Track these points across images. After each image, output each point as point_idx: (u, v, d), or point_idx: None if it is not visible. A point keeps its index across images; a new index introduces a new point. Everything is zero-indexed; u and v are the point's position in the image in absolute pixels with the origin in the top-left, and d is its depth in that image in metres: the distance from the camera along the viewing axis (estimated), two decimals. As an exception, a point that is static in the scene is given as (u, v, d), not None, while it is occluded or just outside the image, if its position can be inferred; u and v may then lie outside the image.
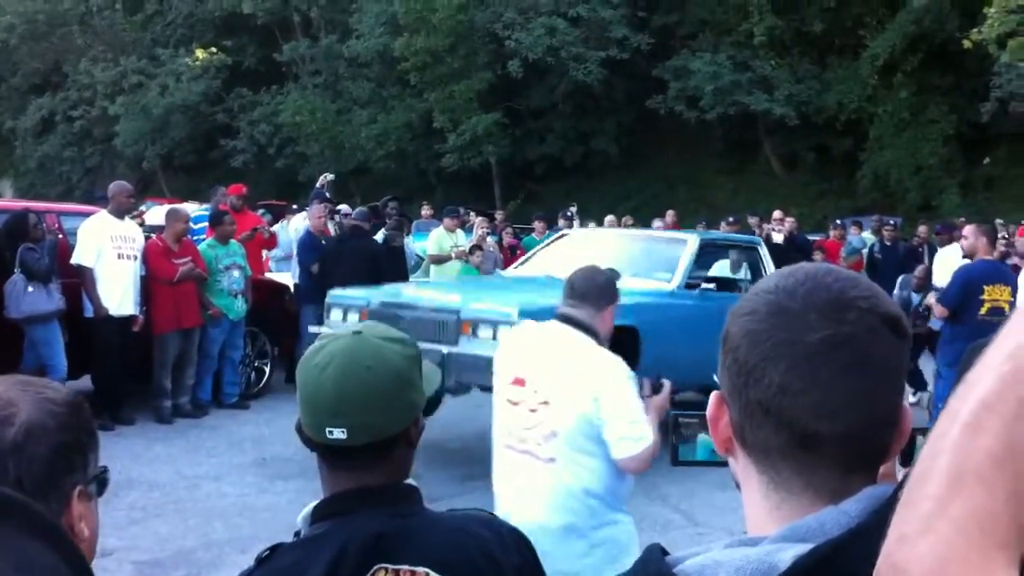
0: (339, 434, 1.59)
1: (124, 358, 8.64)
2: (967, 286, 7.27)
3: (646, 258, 9.11)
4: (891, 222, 14.70)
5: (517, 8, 25.60)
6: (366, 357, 1.61)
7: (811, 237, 15.06)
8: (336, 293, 8.47)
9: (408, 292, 8.16)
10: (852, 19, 24.48)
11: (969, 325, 7.05)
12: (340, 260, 10.30)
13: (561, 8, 25.17)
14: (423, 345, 7.22)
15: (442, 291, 8.33)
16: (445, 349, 7.18)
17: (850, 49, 24.76)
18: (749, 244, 10.00)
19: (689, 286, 8.51)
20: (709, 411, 1.08)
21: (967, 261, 7.59)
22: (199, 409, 9.37)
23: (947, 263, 9.22)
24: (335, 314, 8.22)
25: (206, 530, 6.32)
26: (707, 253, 9.36)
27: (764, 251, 9.59)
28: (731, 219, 14.83)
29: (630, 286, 8.09)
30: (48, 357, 8.15)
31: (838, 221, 16.19)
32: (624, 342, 7.71)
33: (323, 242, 10.38)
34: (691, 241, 8.92)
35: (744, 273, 9.53)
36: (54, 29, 34.69)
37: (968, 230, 7.71)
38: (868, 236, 14.96)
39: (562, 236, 10.08)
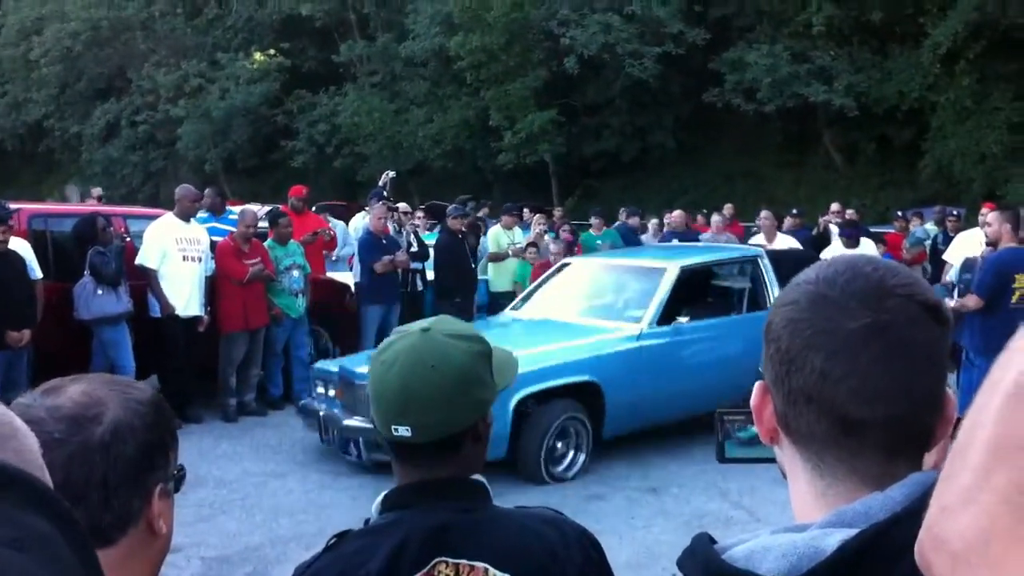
0: (404, 432, 1.63)
1: (190, 357, 8.81)
2: (1000, 274, 7.10)
3: (622, 293, 9.01)
4: (954, 212, 14.42)
5: (572, 5, 25.51)
6: (431, 356, 1.64)
7: (875, 230, 14.84)
8: (317, 365, 8.53)
9: (359, 368, 7.71)
10: (912, 7, 24.01)
11: (1001, 314, 6.90)
12: (443, 257, 10.68)
13: (616, 4, 25.04)
14: (368, 423, 7.22)
15: None
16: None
17: (911, 37, 24.30)
18: (745, 259, 9.58)
19: (668, 319, 8.36)
20: (753, 401, 1.10)
21: (990, 249, 7.42)
22: (268, 406, 9.54)
23: (965, 246, 9.00)
24: (319, 387, 8.23)
25: (272, 526, 6.44)
26: (697, 276, 9.15)
27: (766, 263, 9.22)
28: (795, 211, 14.67)
29: (594, 337, 8.15)
30: (117, 358, 8.34)
31: (900, 213, 15.95)
32: (588, 397, 7.77)
33: (383, 241, 10.48)
34: (669, 271, 8.65)
35: (745, 289, 9.26)
36: (118, 35, 35.28)
37: (992, 217, 7.50)
38: (931, 227, 14.71)
39: (563, 266, 9.96)
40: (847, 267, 1.03)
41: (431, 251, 11.17)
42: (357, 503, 6.85)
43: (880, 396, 0.98)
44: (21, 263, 7.97)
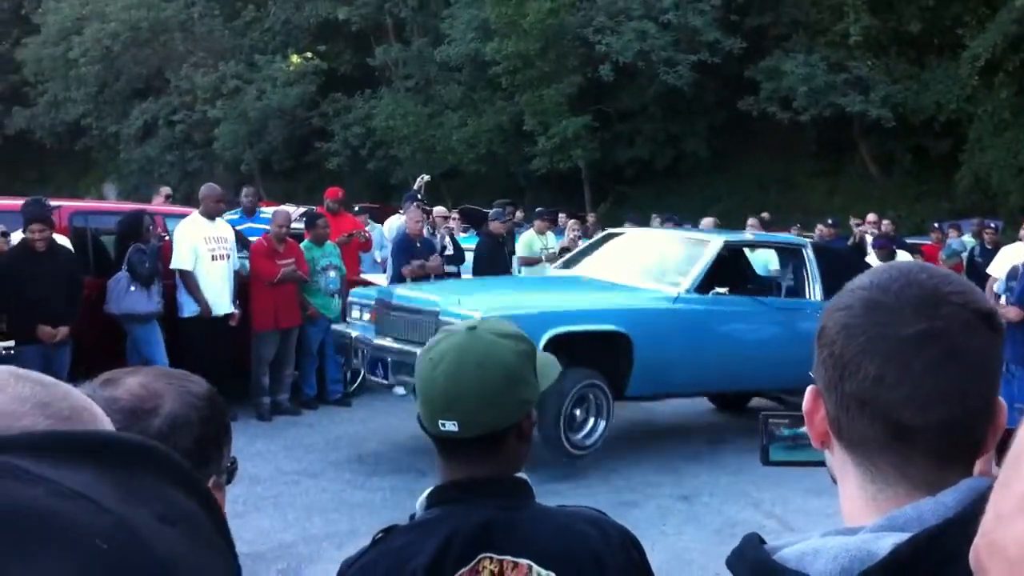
0: (451, 427, 1.66)
1: (220, 356, 8.87)
2: None
3: (666, 260, 9.10)
4: (992, 224, 14.30)
5: (607, 13, 25.49)
6: (477, 355, 1.68)
7: (911, 241, 14.74)
8: (355, 291, 8.91)
9: (399, 291, 8.33)
10: (951, 18, 23.85)
11: None
12: (483, 261, 10.80)
13: (652, 13, 25.00)
14: (405, 346, 7.52)
15: (428, 290, 8.37)
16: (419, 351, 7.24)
17: (949, 49, 24.12)
18: (791, 246, 9.69)
19: (705, 289, 8.42)
20: (805, 405, 1.11)
21: None
22: (302, 405, 9.60)
23: (1008, 260, 8.99)
24: (355, 312, 8.68)
25: (305, 525, 6.49)
26: (739, 254, 9.36)
27: (810, 253, 9.28)
28: (830, 221, 14.60)
29: (630, 294, 8.22)
30: (150, 355, 8.40)
31: (936, 224, 15.83)
32: (616, 347, 7.79)
33: (417, 244, 10.53)
34: (713, 243, 8.80)
35: (787, 276, 9.33)
36: (156, 36, 35.54)
37: None
38: (968, 239, 14.59)
39: (608, 235, 10.14)
40: (901, 274, 1.05)
41: (466, 255, 11.25)
42: (388, 503, 6.89)
43: (933, 402, 0.99)
44: (69, 261, 8.05)
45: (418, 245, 10.54)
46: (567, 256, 10.18)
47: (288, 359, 9.54)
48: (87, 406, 0.65)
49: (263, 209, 12.02)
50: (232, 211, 11.58)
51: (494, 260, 11.21)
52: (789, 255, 9.48)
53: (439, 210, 11.97)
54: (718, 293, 8.40)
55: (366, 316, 8.30)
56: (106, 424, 0.67)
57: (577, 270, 9.29)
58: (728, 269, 8.94)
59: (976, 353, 1.01)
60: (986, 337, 1.01)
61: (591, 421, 7.82)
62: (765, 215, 15.60)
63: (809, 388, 1.10)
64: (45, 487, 0.50)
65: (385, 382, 7.95)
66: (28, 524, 0.48)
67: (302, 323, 9.52)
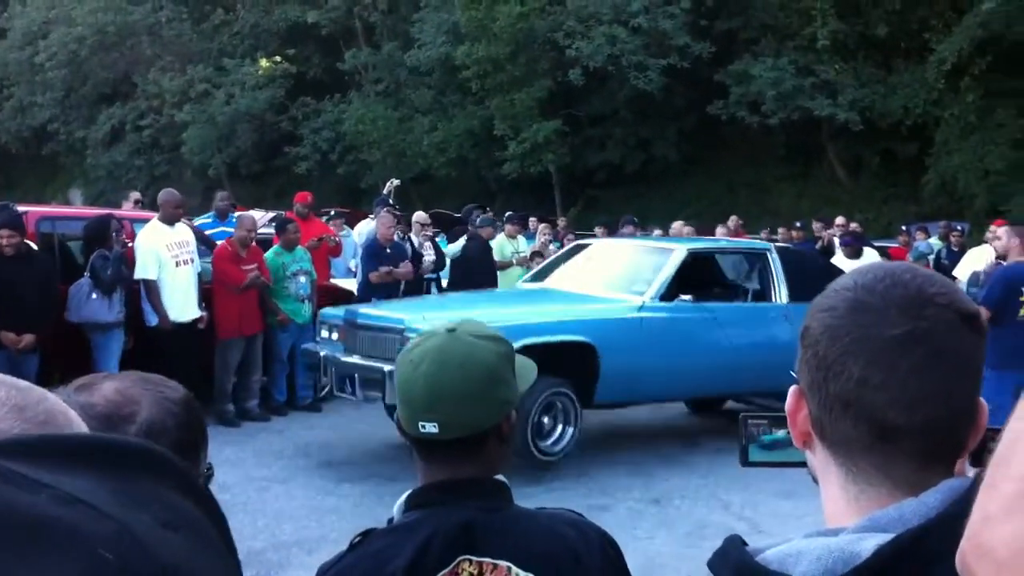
0: (431, 428, 1.65)
1: (189, 363, 8.76)
2: (1008, 287, 7.21)
3: (632, 270, 9.17)
4: (958, 227, 14.48)
5: (578, 17, 25.56)
6: (458, 356, 1.67)
7: (878, 243, 14.87)
8: (324, 311, 8.98)
9: (364, 310, 8.39)
10: (917, 22, 24.08)
11: (1009, 327, 6.98)
12: (473, 265, 10.83)
13: (622, 17, 25.10)
14: (371, 362, 7.57)
15: (393, 308, 8.39)
16: (387, 367, 7.34)
17: (915, 53, 24.37)
18: (754, 251, 9.78)
19: (670, 297, 8.50)
20: (788, 405, 1.11)
21: (998, 262, 7.55)
22: (272, 411, 9.54)
23: (973, 262, 9.15)
24: (323, 331, 8.76)
25: (275, 531, 6.44)
26: (704, 261, 9.39)
27: (774, 257, 9.37)
28: (798, 224, 14.72)
29: (597, 305, 8.31)
30: (101, 362, 8.24)
31: (904, 227, 15.98)
32: (583, 357, 7.86)
33: (387, 250, 10.49)
34: (676, 252, 8.88)
35: (752, 281, 9.44)
36: (124, 40, 35.31)
37: (1003, 231, 7.71)
38: (935, 242, 14.74)
39: (577, 247, 10.26)
40: (886, 274, 1.04)
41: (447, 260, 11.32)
42: (360, 509, 6.86)
43: (918, 403, 0.98)
44: (45, 267, 7.94)
45: (388, 251, 10.49)
46: (536, 268, 10.23)
47: (255, 365, 9.48)
48: (63, 410, 0.63)
49: (236, 214, 11.94)
50: (206, 215, 11.49)
51: (483, 264, 11.27)
52: (754, 259, 9.56)
53: (419, 216, 11.91)
54: (682, 300, 8.47)
55: (335, 335, 8.36)
56: (82, 429, 0.66)
57: (545, 283, 9.35)
58: (695, 275, 9.00)
59: (960, 354, 1.00)
60: (970, 338, 1.01)
61: (559, 428, 7.89)
62: (732, 222, 15.64)
63: (792, 388, 1.10)
64: (45, 493, 0.49)
65: (353, 398, 8.10)
66: (28, 531, 0.47)
67: (264, 328, 9.45)
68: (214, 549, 0.56)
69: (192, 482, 0.58)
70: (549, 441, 7.82)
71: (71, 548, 0.47)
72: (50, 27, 35.81)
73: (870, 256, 11.37)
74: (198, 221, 11.87)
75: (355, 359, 7.95)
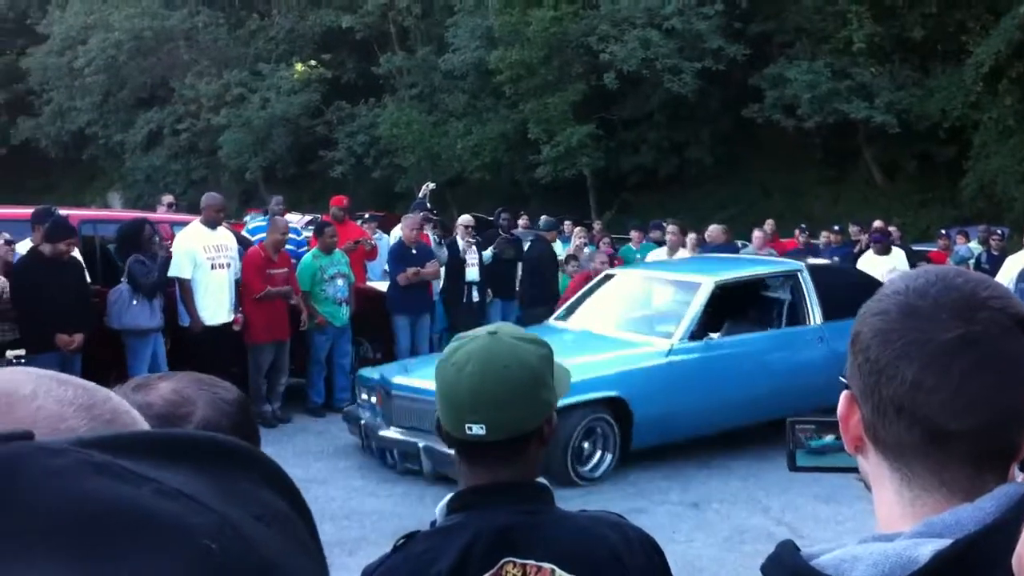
0: (478, 430, 1.67)
1: (223, 364, 8.81)
2: None
3: (658, 307, 9.08)
4: (998, 231, 14.31)
5: (611, 21, 25.51)
6: (503, 356, 1.69)
7: (917, 247, 14.74)
8: (361, 371, 8.81)
9: (396, 379, 8.01)
10: (954, 25, 23.86)
11: None
12: (535, 266, 10.92)
13: (655, 20, 25.02)
14: (409, 437, 7.22)
15: (425, 375, 7.34)
16: (421, 443, 7.32)
17: (953, 55, 24.12)
18: (785, 273, 9.46)
19: (703, 333, 8.40)
20: (840, 410, 1.11)
21: None
22: (309, 413, 9.65)
23: (1013, 268, 9.01)
24: (363, 394, 8.54)
25: (315, 532, 6.47)
26: (735, 290, 9.09)
27: (806, 277, 9.15)
28: (836, 228, 14.63)
29: (625, 351, 8.25)
30: (132, 366, 8.27)
31: (943, 231, 15.83)
32: (616, 412, 7.80)
33: (413, 251, 10.49)
34: (704, 286, 8.65)
35: (784, 304, 9.19)
36: (161, 45, 35.63)
37: None
38: (975, 246, 14.59)
39: (605, 277, 9.98)
40: (937, 278, 1.04)
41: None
42: (399, 510, 6.90)
43: (972, 408, 0.99)
44: (78, 270, 8.06)
45: (414, 252, 10.49)
46: (568, 303, 9.96)
47: (283, 368, 9.55)
48: (127, 409, 0.64)
49: (288, 217, 12.03)
50: (262, 217, 11.58)
51: (545, 267, 11.45)
52: (785, 281, 9.35)
53: (464, 219, 11.90)
54: (710, 339, 8.39)
55: (373, 398, 8.24)
56: (145, 428, 0.67)
57: (572, 322, 9.21)
58: (726, 302, 8.85)
59: (1014, 358, 1.01)
60: (1022, 342, 1.01)
61: (598, 454, 7.86)
62: (768, 226, 15.51)
63: (844, 393, 1.10)
64: (147, 487, 0.50)
65: (395, 470, 7.88)
66: (136, 523, 0.48)
67: (290, 336, 9.49)
68: (304, 545, 0.58)
69: (282, 478, 0.59)
70: (588, 467, 7.80)
71: (177, 539, 0.49)
72: (89, 33, 36.18)
73: (897, 255, 11.36)
74: (252, 224, 11.97)
75: (392, 432, 7.81)
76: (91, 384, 0.63)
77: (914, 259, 12.02)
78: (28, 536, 0.47)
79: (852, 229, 14.87)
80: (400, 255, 10.49)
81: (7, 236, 7.85)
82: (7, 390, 0.58)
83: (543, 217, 13.57)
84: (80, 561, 0.47)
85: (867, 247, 12.90)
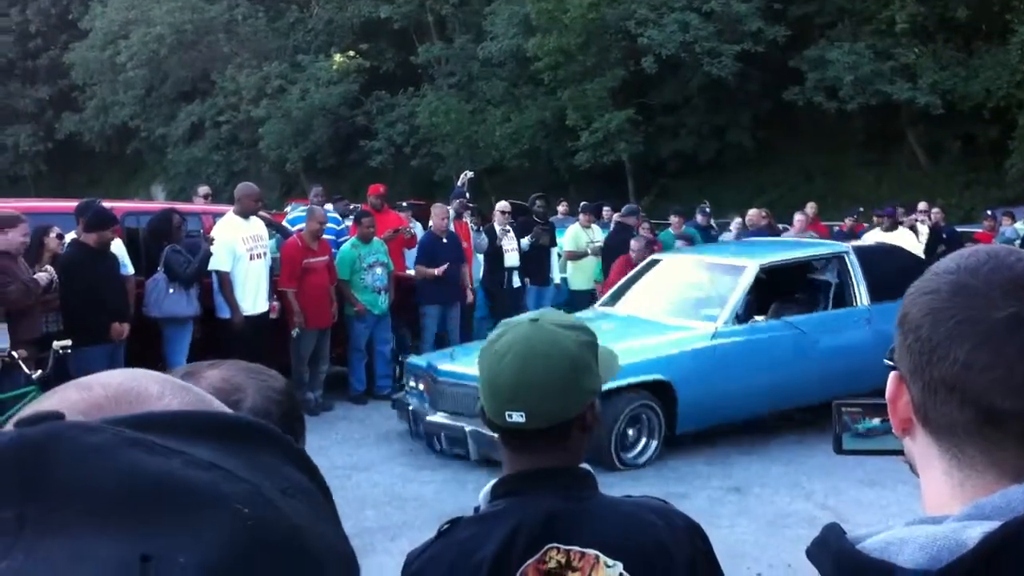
0: (518, 418, 1.66)
1: (260, 354, 8.86)
2: None
3: (701, 292, 9.01)
4: (1044, 212, 14.09)
5: (649, 5, 25.35)
6: (543, 345, 1.68)
7: (961, 229, 14.54)
8: (410, 360, 8.89)
9: (442, 366, 8.10)
10: (999, 4, 23.46)
11: None
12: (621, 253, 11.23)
13: (694, 3, 24.84)
14: (455, 421, 7.26)
15: (467, 363, 7.74)
16: (467, 427, 7.37)
17: (997, 35, 23.74)
18: (832, 255, 9.38)
19: (748, 316, 8.40)
20: (888, 392, 1.09)
21: None
22: (351, 400, 9.71)
23: None
24: (411, 381, 8.61)
25: (358, 518, 6.53)
26: (780, 273, 9.04)
27: (852, 259, 9.07)
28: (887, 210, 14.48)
29: (670, 335, 8.22)
30: (171, 354, 8.39)
31: (989, 211, 15.60)
32: (662, 395, 7.78)
33: (444, 241, 10.49)
34: (748, 269, 8.61)
35: (831, 286, 9.11)
36: (201, 38, 35.94)
37: None
38: (1021, 226, 14.37)
39: (651, 263, 9.94)
40: (989, 257, 1.03)
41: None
42: (440, 496, 6.93)
43: None
44: (116, 261, 8.15)
45: (444, 241, 10.49)
46: (613, 288, 9.93)
47: (324, 356, 9.62)
48: (211, 398, 0.66)
49: (328, 207, 12.09)
50: (302, 208, 11.67)
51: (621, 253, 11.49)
52: (831, 263, 9.28)
53: (502, 205, 11.90)
54: (756, 322, 8.37)
55: (421, 386, 8.31)
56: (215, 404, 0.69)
57: (619, 307, 9.22)
58: (771, 285, 8.83)
59: None
60: None
61: (643, 441, 7.87)
62: (810, 209, 15.36)
63: (892, 374, 1.08)
64: (178, 459, 0.52)
65: (441, 456, 7.97)
66: (175, 493, 0.50)
67: (333, 323, 9.53)
68: (328, 517, 0.61)
69: (304, 457, 0.61)
70: (632, 453, 7.82)
71: (215, 506, 0.51)
72: (130, 27, 36.54)
73: (903, 232, 11.62)
74: (293, 214, 12.02)
75: (439, 417, 7.90)
76: (201, 390, 0.65)
77: (946, 243, 11.92)
78: (74, 509, 0.49)
79: (898, 211, 14.69)
80: (427, 247, 10.48)
81: (58, 230, 7.94)
82: (136, 389, 0.60)
83: (627, 205, 13.75)
84: (129, 532, 0.48)
85: (912, 229, 12.77)
